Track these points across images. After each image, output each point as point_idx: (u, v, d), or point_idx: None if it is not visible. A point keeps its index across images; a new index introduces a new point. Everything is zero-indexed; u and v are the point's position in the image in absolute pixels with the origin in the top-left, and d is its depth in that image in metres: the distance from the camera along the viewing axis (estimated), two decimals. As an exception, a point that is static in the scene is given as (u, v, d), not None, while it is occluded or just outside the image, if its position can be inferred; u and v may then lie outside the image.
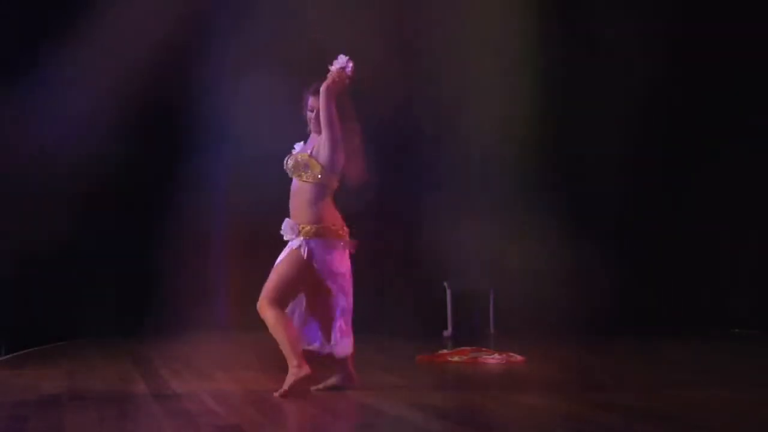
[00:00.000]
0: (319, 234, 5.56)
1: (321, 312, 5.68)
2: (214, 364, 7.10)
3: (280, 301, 5.55)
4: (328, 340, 5.66)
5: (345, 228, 5.67)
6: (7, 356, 7.99)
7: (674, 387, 5.96)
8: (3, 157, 8.75)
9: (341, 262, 5.62)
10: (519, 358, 7.30)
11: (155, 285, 9.39)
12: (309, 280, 5.59)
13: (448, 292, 10.12)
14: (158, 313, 9.36)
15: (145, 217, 9.65)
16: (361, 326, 9.69)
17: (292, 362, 5.43)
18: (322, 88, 5.56)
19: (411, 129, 10.20)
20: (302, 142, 5.77)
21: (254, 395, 5.55)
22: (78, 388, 6.03)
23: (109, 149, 9.34)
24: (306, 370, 5.42)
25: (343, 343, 5.63)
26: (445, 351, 7.82)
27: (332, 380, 5.69)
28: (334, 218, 5.63)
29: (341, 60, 5.59)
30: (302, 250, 5.54)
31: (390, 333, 9.36)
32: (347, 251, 5.66)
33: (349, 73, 5.58)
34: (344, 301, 5.63)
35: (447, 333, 9.96)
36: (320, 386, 5.64)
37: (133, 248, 9.70)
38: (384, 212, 9.93)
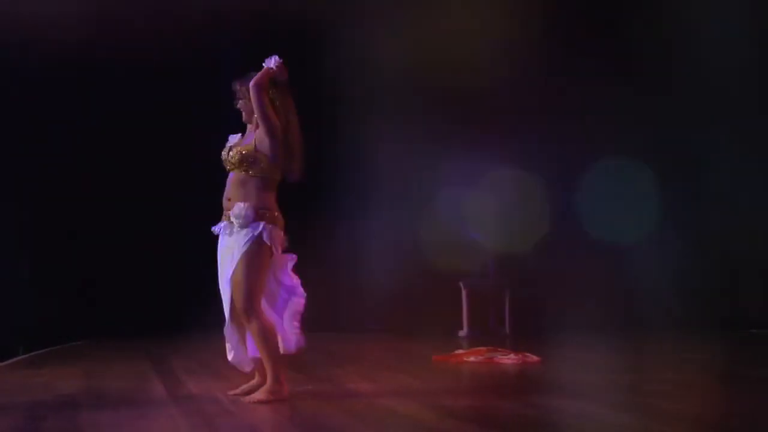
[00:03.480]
0: (273, 220, 5.39)
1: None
2: (230, 364, 7.12)
3: (258, 300, 5.37)
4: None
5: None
6: (25, 356, 8.02)
7: (690, 387, 5.94)
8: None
9: (284, 253, 5.49)
10: (534, 358, 7.30)
11: (172, 284, 9.44)
12: (268, 266, 5.42)
13: (464, 292, 10.12)
14: (175, 312, 9.39)
15: (162, 216, 9.69)
16: (377, 326, 9.82)
17: (277, 379, 5.38)
18: (251, 84, 5.40)
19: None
20: (238, 135, 5.63)
21: (270, 395, 5.55)
22: (95, 387, 6.06)
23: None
24: (286, 392, 5.39)
25: (293, 339, 5.54)
26: (460, 351, 7.82)
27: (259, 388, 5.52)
28: (277, 207, 5.47)
29: (273, 60, 5.47)
30: (264, 235, 5.32)
31: (405, 333, 9.36)
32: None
33: (275, 69, 5.43)
34: (295, 297, 5.52)
35: (462, 333, 9.96)
36: (238, 390, 5.62)
37: (150, 247, 9.76)
38: (396, 211, 9.97)
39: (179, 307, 9.35)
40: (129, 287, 9.66)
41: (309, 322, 8.83)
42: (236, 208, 5.36)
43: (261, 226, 5.33)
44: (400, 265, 9.91)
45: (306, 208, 9.62)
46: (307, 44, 9.54)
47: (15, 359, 7.74)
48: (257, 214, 5.35)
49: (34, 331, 8.53)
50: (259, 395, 5.38)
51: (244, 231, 5.35)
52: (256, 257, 5.33)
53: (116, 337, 9.26)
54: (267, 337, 5.35)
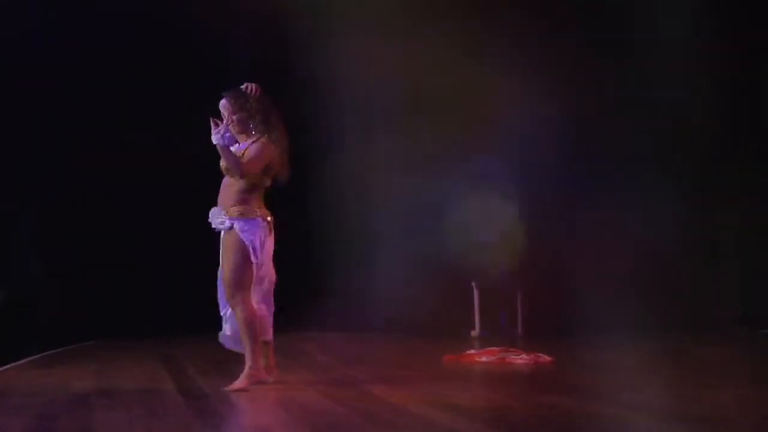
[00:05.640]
0: (243, 213, 5.83)
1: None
2: (242, 363, 7.12)
3: (244, 291, 5.80)
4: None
5: (269, 215, 5.93)
6: (37, 356, 8.04)
7: (703, 388, 5.92)
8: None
9: (265, 241, 5.88)
10: (547, 358, 7.28)
11: (184, 284, 9.43)
12: (249, 260, 5.82)
13: (476, 291, 10.09)
14: (186, 312, 9.40)
15: (174, 215, 9.70)
16: (388, 326, 9.80)
17: (253, 365, 5.82)
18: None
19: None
20: (244, 144, 5.99)
21: (282, 394, 5.56)
22: (107, 387, 6.08)
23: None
24: (263, 375, 5.86)
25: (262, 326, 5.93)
26: (472, 351, 7.81)
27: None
28: (260, 206, 5.90)
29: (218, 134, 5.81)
30: (234, 226, 5.81)
31: (416, 333, 9.35)
32: (271, 236, 5.93)
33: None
34: (266, 283, 5.96)
35: (474, 333, 9.94)
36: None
37: (162, 246, 9.77)
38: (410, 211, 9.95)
39: (191, 306, 9.34)
40: (140, 287, 9.66)
41: (319, 322, 8.85)
42: (211, 213, 5.92)
43: (229, 222, 5.83)
44: (411, 264, 9.89)
45: (313, 208, 9.67)
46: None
47: (27, 359, 7.75)
48: (228, 213, 5.84)
49: (46, 331, 8.54)
50: (237, 383, 5.76)
51: (222, 231, 5.90)
52: (230, 251, 5.83)
53: (127, 337, 9.27)
54: (248, 326, 5.79)
